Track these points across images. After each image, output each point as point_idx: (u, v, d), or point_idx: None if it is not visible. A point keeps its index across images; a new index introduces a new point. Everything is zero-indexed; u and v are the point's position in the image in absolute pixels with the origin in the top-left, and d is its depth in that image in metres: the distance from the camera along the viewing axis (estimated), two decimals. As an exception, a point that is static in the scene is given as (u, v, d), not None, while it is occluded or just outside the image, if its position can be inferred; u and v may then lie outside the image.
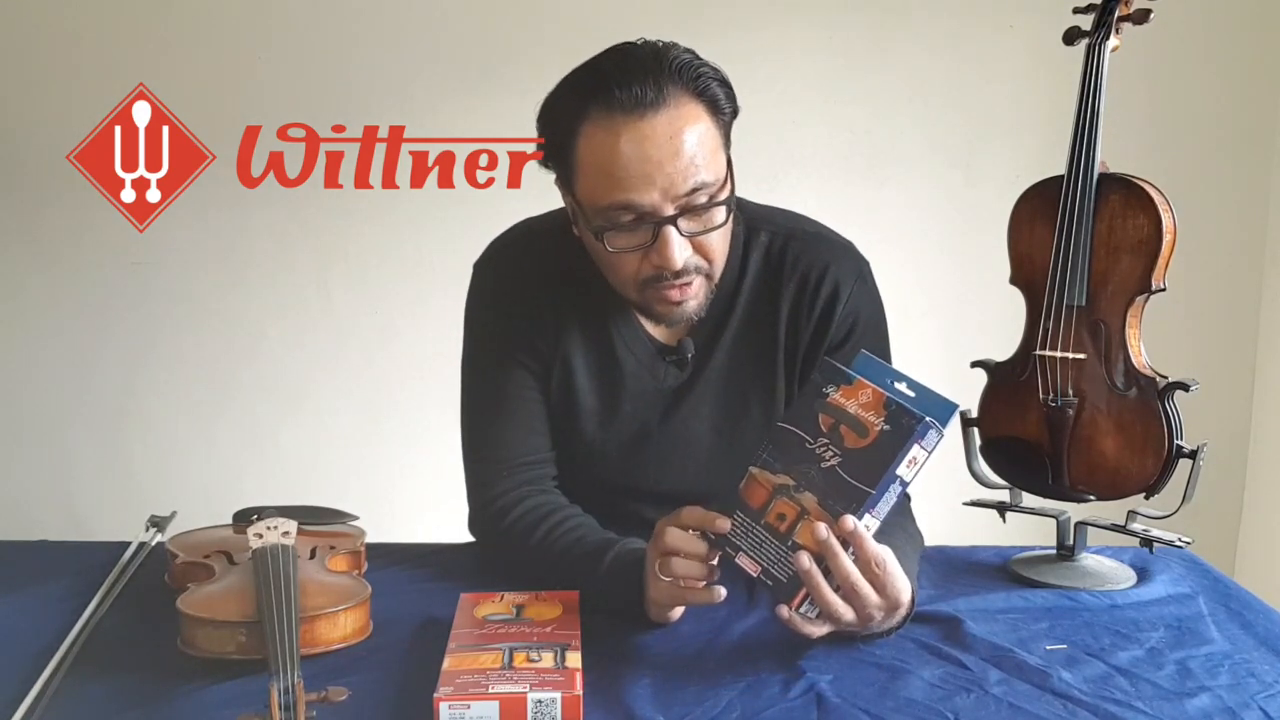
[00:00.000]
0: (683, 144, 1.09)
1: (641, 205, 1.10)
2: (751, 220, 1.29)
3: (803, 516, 0.99)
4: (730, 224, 1.18)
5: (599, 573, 1.13)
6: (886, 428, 0.98)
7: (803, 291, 1.26)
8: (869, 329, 1.29)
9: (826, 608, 0.98)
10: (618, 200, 1.11)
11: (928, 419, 0.97)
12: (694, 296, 1.18)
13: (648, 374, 1.28)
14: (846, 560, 0.97)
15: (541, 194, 1.40)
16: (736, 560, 1.01)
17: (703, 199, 1.12)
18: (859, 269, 1.29)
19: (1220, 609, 1.18)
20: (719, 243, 1.17)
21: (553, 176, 1.21)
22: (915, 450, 0.97)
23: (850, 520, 0.96)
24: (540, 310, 1.27)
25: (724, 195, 1.14)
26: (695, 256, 1.15)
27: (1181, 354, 1.48)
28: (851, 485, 0.98)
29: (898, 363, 1.35)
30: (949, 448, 1.37)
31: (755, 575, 1.00)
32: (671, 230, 1.11)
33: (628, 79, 1.09)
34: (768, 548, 1.00)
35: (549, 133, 1.16)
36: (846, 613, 0.99)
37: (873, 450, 0.98)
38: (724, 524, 1.02)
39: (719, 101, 1.13)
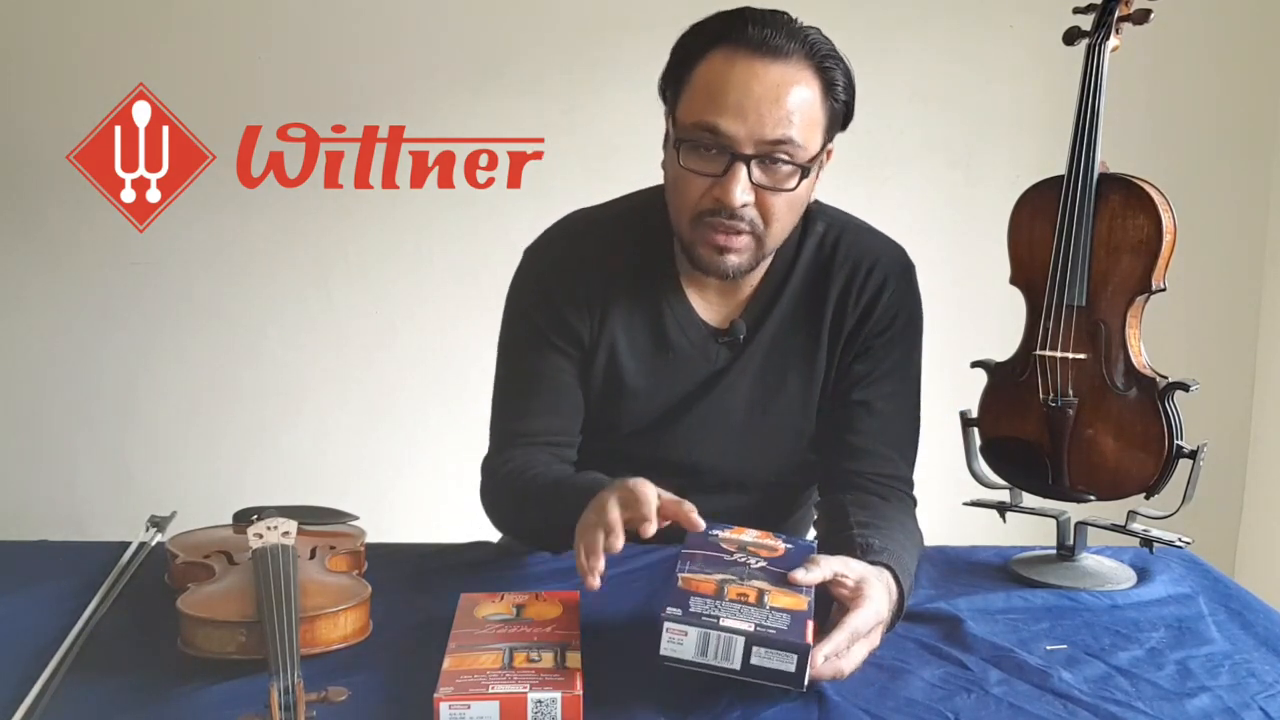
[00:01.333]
0: (786, 96, 1.14)
1: (725, 131, 1.14)
2: (809, 212, 1.32)
3: (764, 593, 0.96)
4: (798, 200, 1.20)
5: (557, 497, 1.17)
6: (789, 546, 1.06)
7: (852, 280, 1.29)
8: (908, 326, 1.31)
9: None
10: (707, 120, 1.14)
11: (811, 541, 1.08)
12: (738, 251, 1.19)
13: (700, 355, 1.30)
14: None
15: (542, 194, 1.40)
16: (723, 624, 0.91)
17: (783, 155, 1.15)
18: (907, 268, 1.32)
19: (1220, 609, 1.18)
20: (782, 209, 1.18)
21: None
22: None
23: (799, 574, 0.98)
24: (588, 296, 1.29)
25: (805, 162, 1.16)
26: (753, 210, 1.17)
27: (1181, 354, 1.48)
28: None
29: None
30: (949, 448, 1.38)
31: (751, 629, 0.91)
32: (741, 168, 1.15)
33: (763, 23, 1.15)
34: (749, 611, 0.94)
35: (678, 54, 1.20)
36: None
37: (789, 557, 1.03)
38: (695, 520, 1.03)
39: (835, 88, 1.18)
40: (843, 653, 0.96)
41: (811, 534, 1.38)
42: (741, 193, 1.15)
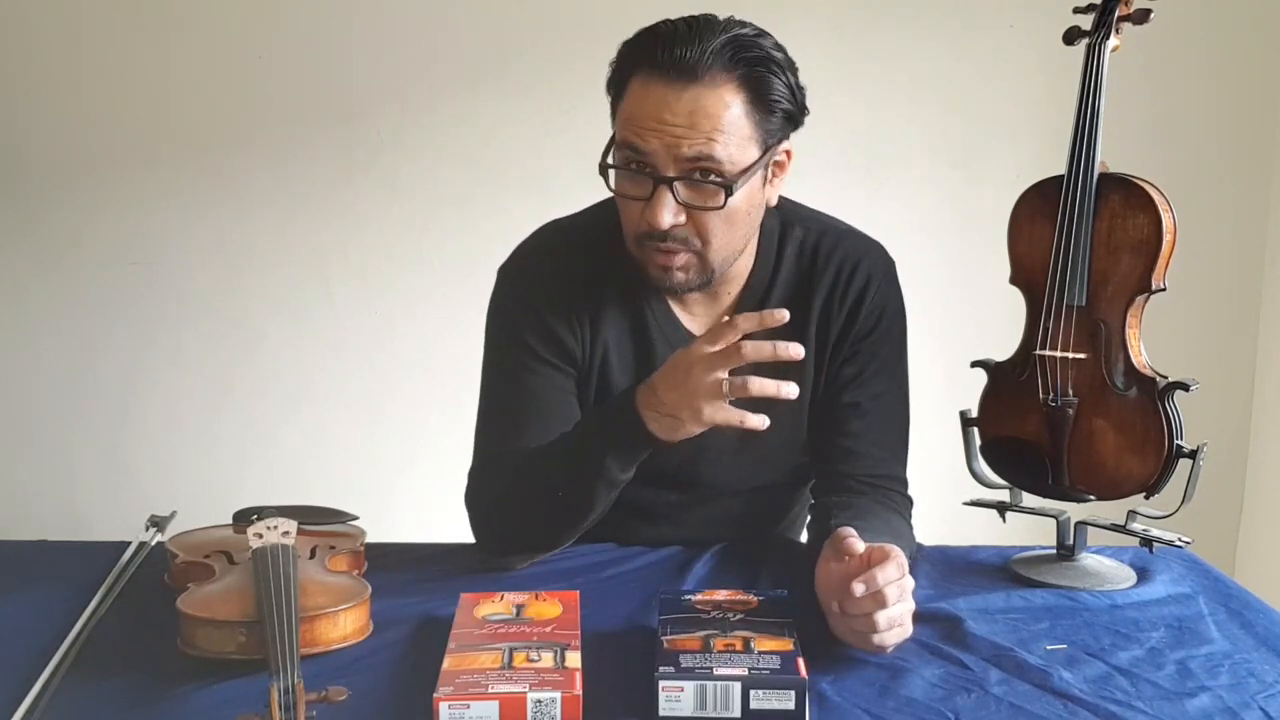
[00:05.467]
0: (701, 119, 1.12)
1: (642, 149, 1.13)
2: (786, 216, 1.31)
3: (750, 640, 0.97)
4: (737, 214, 1.18)
5: (588, 425, 1.20)
6: (762, 598, 1.08)
7: (836, 284, 1.29)
8: (894, 323, 1.31)
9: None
10: (626, 139, 1.14)
11: (781, 591, 1.09)
12: (681, 269, 1.19)
13: None
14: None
15: (541, 194, 1.40)
16: (716, 673, 0.92)
17: (707, 168, 1.13)
18: (888, 266, 1.32)
19: (1220, 609, 1.18)
20: (718, 226, 1.17)
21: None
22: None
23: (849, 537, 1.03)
24: (577, 310, 1.27)
25: (730, 179, 1.14)
26: (687, 229, 1.17)
27: (1181, 354, 1.48)
28: (774, 623, 1.01)
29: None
30: (949, 448, 1.38)
31: (745, 674, 0.92)
32: (665, 191, 1.14)
33: (673, 43, 1.12)
34: (739, 658, 0.94)
35: (613, 74, 1.20)
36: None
37: (765, 607, 1.05)
38: (783, 315, 1.07)
39: (767, 96, 1.14)
40: (895, 581, 0.99)
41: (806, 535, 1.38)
42: (669, 215, 1.14)
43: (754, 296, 1.29)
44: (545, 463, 1.22)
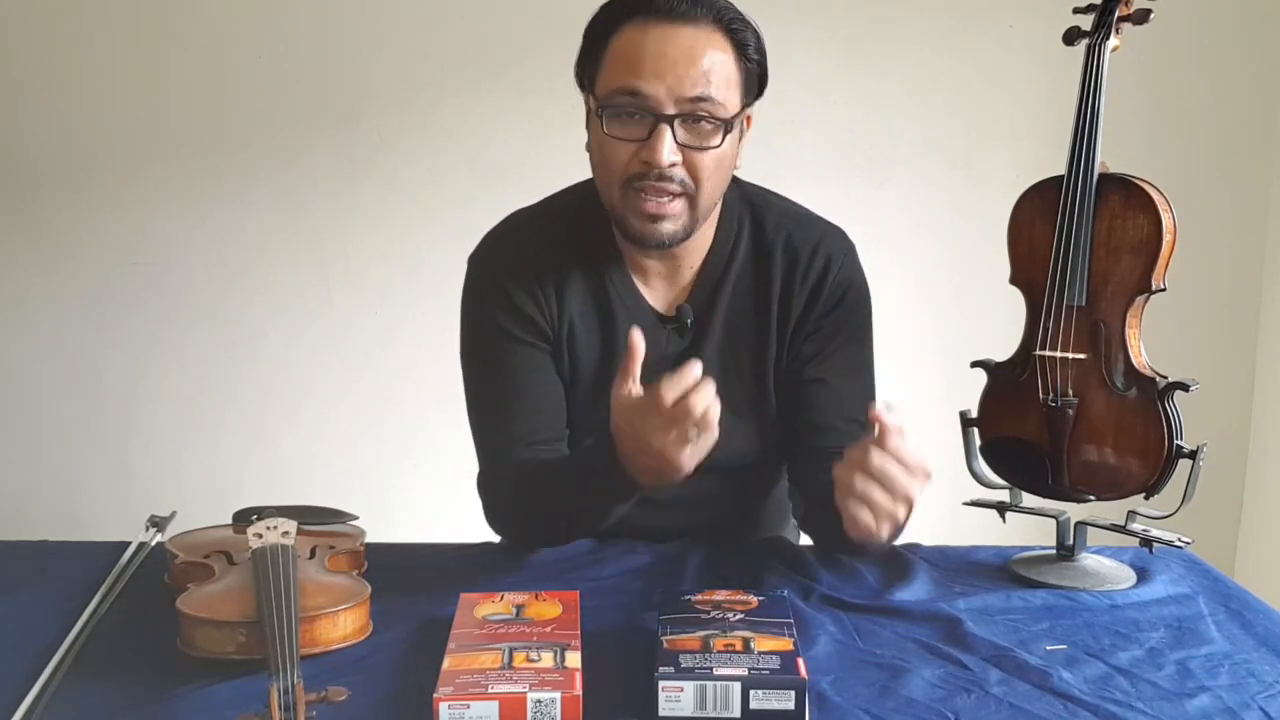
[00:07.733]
0: (700, 56, 1.17)
1: (645, 93, 1.16)
2: (749, 196, 1.35)
3: (750, 640, 0.97)
4: (726, 159, 1.21)
5: (586, 482, 1.19)
6: (762, 598, 1.07)
7: (795, 263, 1.31)
8: (858, 300, 1.34)
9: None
10: (626, 85, 1.17)
11: (780, 590, 1.10)
12: (671, 217, 1.21)
13: (650, 343, 1.29)
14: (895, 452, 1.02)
15: (542, 194, 1.40)
16: (716, 673, 0.92)
17: (704, 112, 1.17)
18: (848, 247, 1.36)
19: (1220, 609, 1.18)
20: (710, 167, 1.20)
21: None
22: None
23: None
24: (544, 290, 1.30)
25: (726, 119, 1.18)
26: (682, 170, 1.19)
27: (1181, 354, 1.48)
28: (774, 623, 1.01)
29: (897, 363, 1.36)
30: (949, 448, 1.38)
31: (745, 674, 0.91)
32: (665, 128, 1.17)
33: None
34: (739, 658, 0.94)
35: (591, 35, 1.22)
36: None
37: (765, 607, 1.05)
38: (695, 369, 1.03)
39: (746, 50, 1.20)
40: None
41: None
42: (669, 152, 1.17)
43: (713, 274, 1.31)
44: (554, 494, 1.23)
